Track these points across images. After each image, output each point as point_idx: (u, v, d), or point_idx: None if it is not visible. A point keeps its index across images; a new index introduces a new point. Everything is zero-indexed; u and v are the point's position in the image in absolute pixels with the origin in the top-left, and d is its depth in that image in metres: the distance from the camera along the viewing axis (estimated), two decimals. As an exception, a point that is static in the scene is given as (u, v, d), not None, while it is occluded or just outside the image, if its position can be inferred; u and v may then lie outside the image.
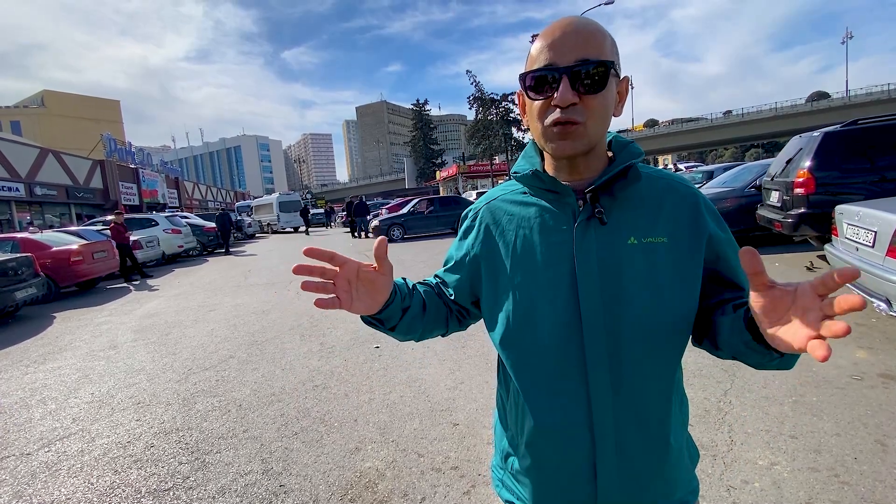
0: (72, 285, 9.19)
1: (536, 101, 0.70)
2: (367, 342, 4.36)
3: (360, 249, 13.38)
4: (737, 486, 1.98)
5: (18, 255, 7.43)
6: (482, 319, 0.87)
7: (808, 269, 5.68)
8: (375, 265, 0.70)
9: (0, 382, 4.18)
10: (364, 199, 19.20)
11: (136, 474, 2.49)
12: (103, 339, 5.43)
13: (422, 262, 9.63)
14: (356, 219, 18.04)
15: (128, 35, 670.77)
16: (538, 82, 0.68)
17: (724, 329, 0.67)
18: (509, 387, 0.81)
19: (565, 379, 0.72)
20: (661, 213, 0.72)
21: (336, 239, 18.70)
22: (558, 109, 0.66)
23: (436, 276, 0.92)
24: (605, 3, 25.23)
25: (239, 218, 24.00)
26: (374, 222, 15.93)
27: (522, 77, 0.71)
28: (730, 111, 60.39)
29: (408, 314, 0.79)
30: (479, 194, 25.89)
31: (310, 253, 0.67)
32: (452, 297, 0.88)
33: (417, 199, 17.51)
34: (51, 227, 17.79)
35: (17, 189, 18.88)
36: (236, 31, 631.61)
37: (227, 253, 16.03)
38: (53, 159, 21.59)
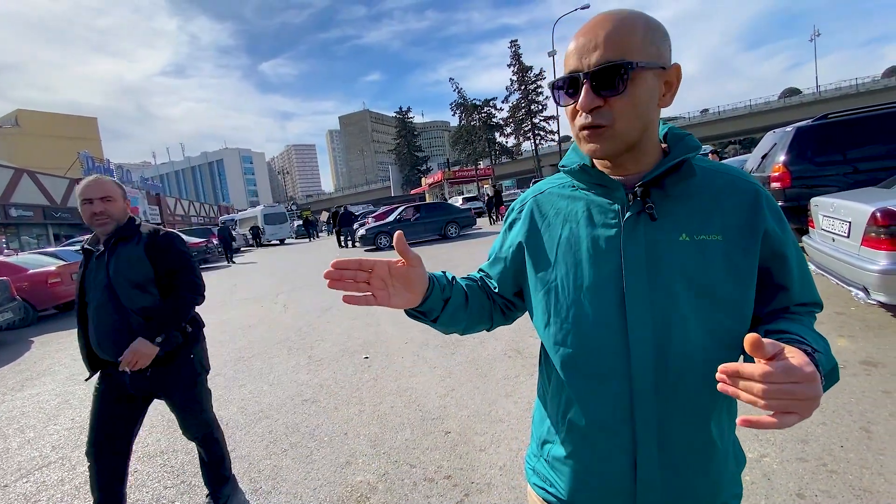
0: (50, 308, 8.94)
1: (567, 107, 0.71)
2: (356, 353, 4.31)
3: (347, 259, 13.26)
4: (728, 480, 1.99)
5: (-7, 279, 7.20)
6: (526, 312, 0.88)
7: None
8: (403, 261, 0.72)
9: (-25, 412, 4.03)
10: (348, 209, 19.14)
11: (119, 501, 2.40)
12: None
13: (410, 269, 9.59)
14: (342, 228, 17.95)
15: (101, 52, 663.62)
16: (562, 88, 0.69)
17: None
18: (551, 376, 0.80)
19: (609, 374, 0.71)
20: (717, 210, 0.70)
21: (321, 251, 18.55)
22: (584, 114, 0.67)
23: (480, 269, 0.93)
24: (581, 8, 25.65)
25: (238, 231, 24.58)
26: (361, 231, 15.84)
27: (551, 86, 0.72)
28: (706, 109, 61.76)
29: (449, 305, 0.79)
30: (466, 199, 26.01)
31: (337, 265, 0.70)
32: (497, 290, 0.88)
33: (403, 207, 17.48)
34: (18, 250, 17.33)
35: (-9, 211, 18.38)
36: (212, 44, 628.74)
37: (231, 262, 17.47)
38: (29, 180, 21.09)
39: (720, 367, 0.53)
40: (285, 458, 2.63)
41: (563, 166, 0.79)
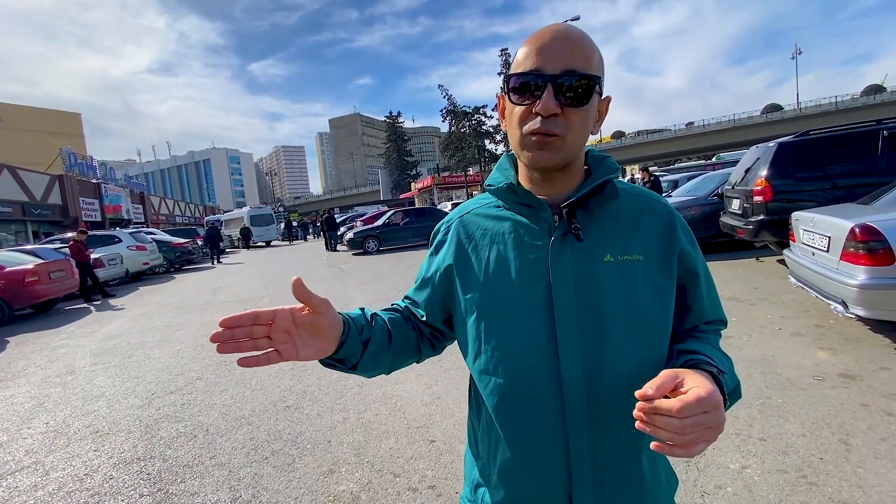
0: (27, 307, 8.69)
1: (518, 107, 0.66)
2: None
3: (332, 262, 13.19)
4: (710, 491, 2.01)
5: (-34, 276, 6.98)
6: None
7: (757, 259, 6.64)
8: (308, 308, 0.63)
9: (-58, 415, 3.88)
10: (333, 213, 19.14)
11: (92, 510, 2.33)
12: (60, 364, 5.13)
13: (398, 273, 9.56)
14: (327, 232, 17.87)
15: (86, 47, 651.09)
16: (522, 87, 0.65)
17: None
18: (481, 412, 0.77)
19: (541, 405, 0.68)
20: (638, 231, 0.71)
21: (307, 253, 18.39)
22: (539, 118, 0.63)
23: (406, 297, 0.88)
24: (571, 20, 26.06)
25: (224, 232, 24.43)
26: (349, 234, 15.75)
27: (507, 79, 0.68)
28: (692, 123, 62.96)
29: (370, 347, 0.72)
30: (455, 205, 26.09)
31: (225, 324, 0.58)
32: (424, 318, 0.82)
33: (392, 211, 17.45)
34: None
35: (-33, 206, 17.83)
36: (201, 43, 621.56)
37: (218, 262, 17.63)
38: (8, 174, 20.53)
39: (637, 406, 0.52)
40: (266, 466, 2.58)
41: (488, 185, 0.77)
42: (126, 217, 29.58)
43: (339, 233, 18.10)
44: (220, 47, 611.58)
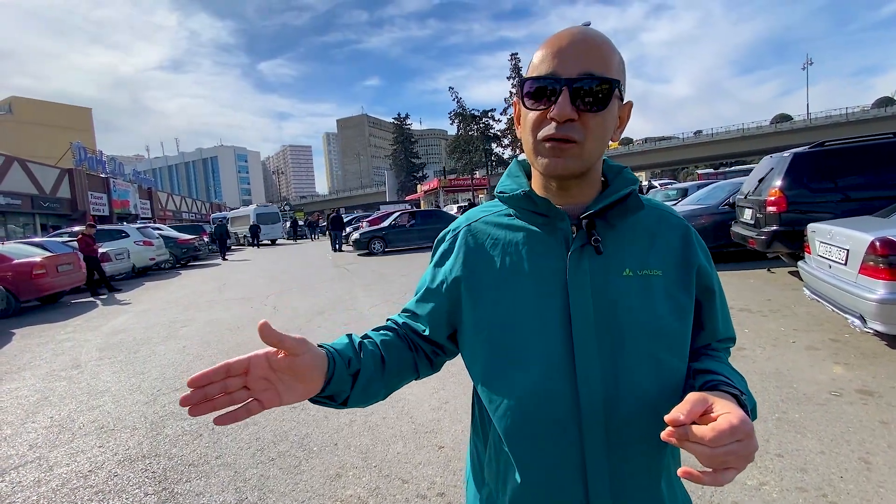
0: (33, 300, 8.73)
1: (532, 112, 0.63)
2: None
3: (338, 263, 13.19)
4: (727, 508, 1.96)
5: (-25, 267, 7.01)
6: (458, 355, 0.79)
7: (769, 271, 6.47)
8: (282, 351, 0.58)
9: (-52, 406, 3.88)
10: (339, 213, 19.20)
11: (96, 507, 2.31)
12: (65, 358, 5.13)
13: (402, 275, 9.54)
14: (332, 232, 17.91)
15: (97, 43, 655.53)
16: (537, 92, 0.62)
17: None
18: (488, 435, 0.72)
19: (557, 428, 0.64)
20: (654, 245, 0.69)
21: (313, 252, 18.42)
22: (554, 124, 0.60)
23: (405, 310, 0.81)
24: (582, 26, 26.02)
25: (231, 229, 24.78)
26: (355, 235, 15.76)
27: (521, 83, 0.65)
28: (700, 131, 62.77)
29: (359, 380, 0.66)
30: (461, 209, 26.13)
31: (195, 383, 0.53)
32: (426, 333, 0.76)
33: (399, 213, 17.45)
34: None
35: (-23, 198, 18.00)
36: (212, 41, 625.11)
37: (224, 259, 17.98)
38: (19, 167, 20.72)
39: (667, 431, 0.51)
40: (273, 468, 2.55)
41: (500, 192, 0.73)
42: (133, 212, 29.80)
43: (344, 233, 18.12)
44: (230, 46, 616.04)
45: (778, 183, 5.58)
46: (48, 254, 8.96)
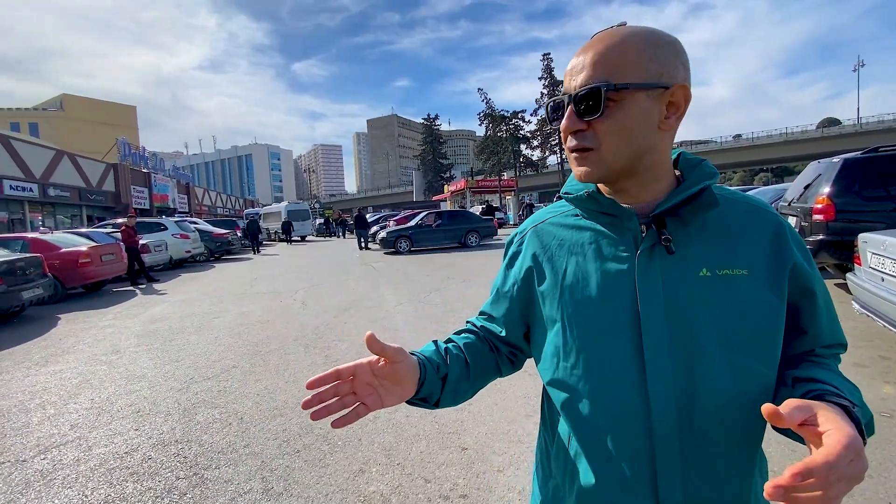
0: (78, 287, 9.19)
1: (560, 128, 0.67)
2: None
3: (364, 260, 13.35)
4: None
5: (27, 254, 7.44)
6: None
7: None
8: (383, 359, 0.65)
9: (1, 384, 4.12)
10: (364, 212, 19.49)
11: (131, 488, 2.40)
12: (106, 344, 5.38)
13: (426, 275, 9.56)
14: (357, 231, 18.16)
15: (142, 43, 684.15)
16: (555, 108, 0.67)
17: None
18: (556, 430, 0.72)
19: (626, 429, 0.63)
20: (741, 242, 0.64)
21: (341, 249, 18.71)
22: (570, 136, 0.64)
23: (481, 312, 0.85)
24: (617, 26, 25.44)
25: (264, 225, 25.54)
26: (382, 234, 15.92)
27: (546, 107, 0.69)
28: (739, 135, 60.47)
29: (449, 382, 0.72)
30: (486, 209, 25.97)
31: (312, 385, 0.62)
32: (503, 334, 0.80)
33: (425, 213, 17.53)
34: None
35: (31, 189, 19.13)
36: (248, 42, 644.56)
37: (257, 252, 19.01)
38: (68, 161, 21.91)
39: (777, 483, 0.44)
40: (298, 460, 2.58)
41: (566, 193, 0.73)
42: (172, 206, 31.02)
43: (370, 231, 18.34)
44: (265, 47, 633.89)
45: (826, 190, 5.29)
46: (93, 244, 9.42)
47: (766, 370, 0.62)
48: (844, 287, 4.26)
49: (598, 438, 0.65)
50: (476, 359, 0.77)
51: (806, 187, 5.76)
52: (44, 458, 2.75)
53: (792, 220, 5.91)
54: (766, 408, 0.47)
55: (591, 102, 0.61)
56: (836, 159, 5.42)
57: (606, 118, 0.61)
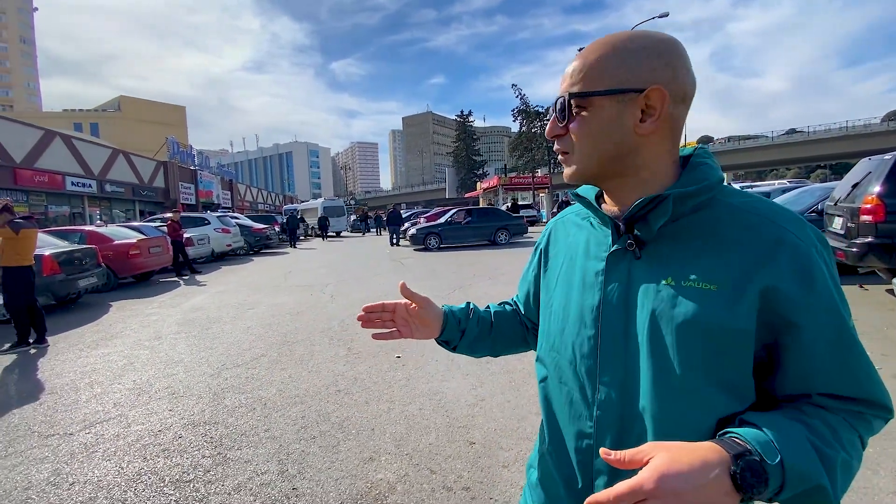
0: (129, 277, 9.85)
1: None
2: (392, 351, 4.37)
3: (394, 257, 13.56)
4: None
5: (84, 246, 8.05)
6: None
7: (861, 287, 5.76)
8: (414, 304, 0.85)
9: (56, 364, 4.51)
10: (397, 209, 19.68)
11: (162, 463, 2.59)
12: (150, 330, 5.76)
13: (453, 272, 9.62)
14: (389, 227, 18.41)
15: (191, 46, 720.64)
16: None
17: None
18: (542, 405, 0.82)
19: (578, 410, 0.69)
20: (727, 255, 0.58)
21: (374, 245, 19.07)
22: (554, 139, 0.70)
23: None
24: (659, 17, 24.55)
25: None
26: (412, 230, 16.10)
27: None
28: (794, 129, 56.94)
29: (466, 336, 0.88)
30: (513, 206, 25.59)
31: (366, 310, 0.85)
32: (524, 312, 0.93)
33: (455, 210, 17.57)
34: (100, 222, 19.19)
35: (90, 185, 20.58)
36: (290, 43, 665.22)
37: (293, 247, 20.00)
38: (123, 159, 23.40)
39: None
40: (313, 445, 2.71)
41: (575, 194, 0.77)
42: (216, 202, 32.53)
43: (402, 228, 18.58)
44: (305, 47, 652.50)
45: (876, 189, 4.95)
46: (142, 237, 10.06)
47: (722, 396, 0.57)
48: (892, 293, 3.98)
49: (557, 411, 0.73)
50: (502, 327, 0.92)
51: (854, 186, 5.41)
52: (88, 433, 3.01)
53: (838, 221, 5.57)
54: (603, 451, 0.53)
55: (560, 109, 0.66)
56: (888, 156, 5.06)
57: (578, 124, 0.65)
